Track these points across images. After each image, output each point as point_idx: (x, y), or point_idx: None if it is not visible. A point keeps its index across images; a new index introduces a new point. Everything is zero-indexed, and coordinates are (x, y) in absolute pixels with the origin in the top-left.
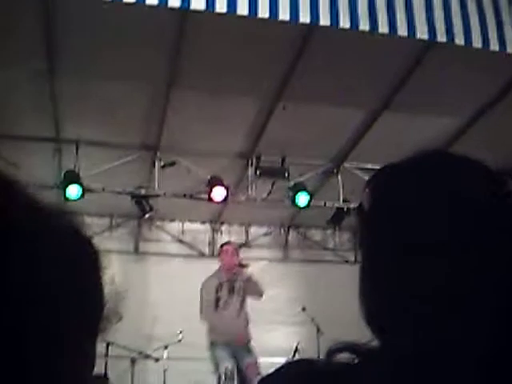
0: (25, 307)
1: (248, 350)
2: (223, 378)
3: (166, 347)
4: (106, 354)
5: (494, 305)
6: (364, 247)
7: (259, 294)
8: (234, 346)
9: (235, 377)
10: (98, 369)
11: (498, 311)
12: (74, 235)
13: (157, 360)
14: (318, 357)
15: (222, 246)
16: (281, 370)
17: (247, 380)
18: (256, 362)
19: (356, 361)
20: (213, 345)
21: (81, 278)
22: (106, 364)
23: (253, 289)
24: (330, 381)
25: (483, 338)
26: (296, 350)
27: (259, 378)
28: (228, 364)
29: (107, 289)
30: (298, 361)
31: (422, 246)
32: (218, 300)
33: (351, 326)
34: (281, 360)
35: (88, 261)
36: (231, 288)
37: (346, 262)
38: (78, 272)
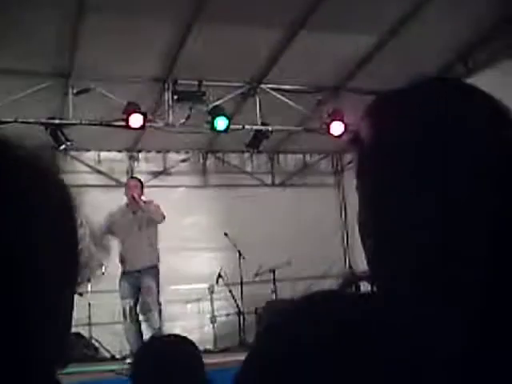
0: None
1: (150, 273)
2: (123, 314)
3: (88, 280)
4: None
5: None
6: (366, 180)
7: (160, 214)
8: (137, 272)
9: (134, 314)
10: None
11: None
12: (47, 174)
13: (81, 294)
14: (241, 280)
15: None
16: (310, 302)
17: (145, 302)
18: (150, 287)
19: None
20: (120, 275)
21: (60, 222)
22: None
23: (153, 210)
24: (358, 310)
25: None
26: (219, 276)
27: (152, 298)
28: (127, 302)
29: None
30: (324, 292)
31: (432, 181)
32: (119, 230)
33: (270, 248)
34: (204, 286)
35: (63, 203)
36: (133, 217)
37: (265, 185)
38: (55, 215)
